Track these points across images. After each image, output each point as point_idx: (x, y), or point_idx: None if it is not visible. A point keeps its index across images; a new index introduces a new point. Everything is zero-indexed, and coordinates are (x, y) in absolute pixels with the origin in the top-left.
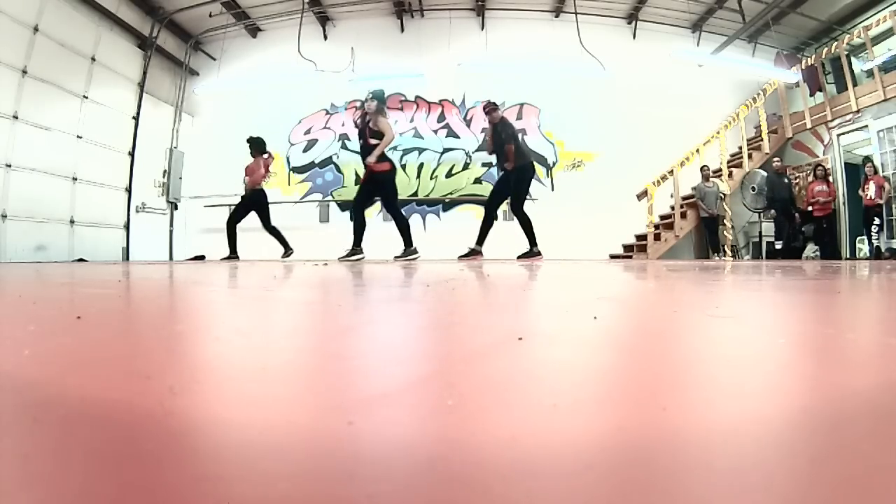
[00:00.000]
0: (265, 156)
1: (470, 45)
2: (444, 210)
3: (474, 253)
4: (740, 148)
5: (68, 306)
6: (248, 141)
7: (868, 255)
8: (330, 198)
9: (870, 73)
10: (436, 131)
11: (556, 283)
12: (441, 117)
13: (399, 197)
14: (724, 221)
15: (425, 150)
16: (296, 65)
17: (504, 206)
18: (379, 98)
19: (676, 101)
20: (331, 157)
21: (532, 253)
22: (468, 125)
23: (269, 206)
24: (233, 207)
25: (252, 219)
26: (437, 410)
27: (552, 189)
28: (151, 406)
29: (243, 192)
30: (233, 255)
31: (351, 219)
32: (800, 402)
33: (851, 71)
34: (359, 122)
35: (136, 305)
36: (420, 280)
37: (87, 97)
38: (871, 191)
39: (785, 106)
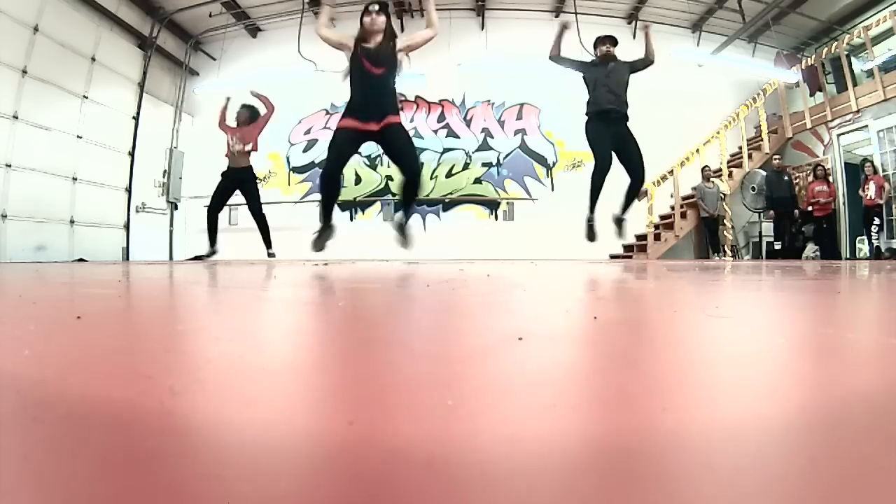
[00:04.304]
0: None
1: (470, 45)
2: (444, 210)
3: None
4: (740, 148)
5: (68, 306)
6: (246, 107)
7: (868, 255)
8: None
9: (870, 73)
10: (436, 131)
11: (556, 283)
12: (441, 117)
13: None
14: (725, 221)
15: (425, 150)
16: (296, 65)
17: (504, 206)
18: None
19: (676, 101)
20: None
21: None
22: (468, 125)
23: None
24: (213, 192)
25: (250, 219)
26: (437, 410)
27: (552, 189)
28: (151, 405)
29: (229, 167)
30: (212, 249)
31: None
32: (800, 402)
33: (851, 71)
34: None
35: (136, 305)
36: (421, 280)
37: (87, 97)
38: (871, 191)
39: (785, 106)
